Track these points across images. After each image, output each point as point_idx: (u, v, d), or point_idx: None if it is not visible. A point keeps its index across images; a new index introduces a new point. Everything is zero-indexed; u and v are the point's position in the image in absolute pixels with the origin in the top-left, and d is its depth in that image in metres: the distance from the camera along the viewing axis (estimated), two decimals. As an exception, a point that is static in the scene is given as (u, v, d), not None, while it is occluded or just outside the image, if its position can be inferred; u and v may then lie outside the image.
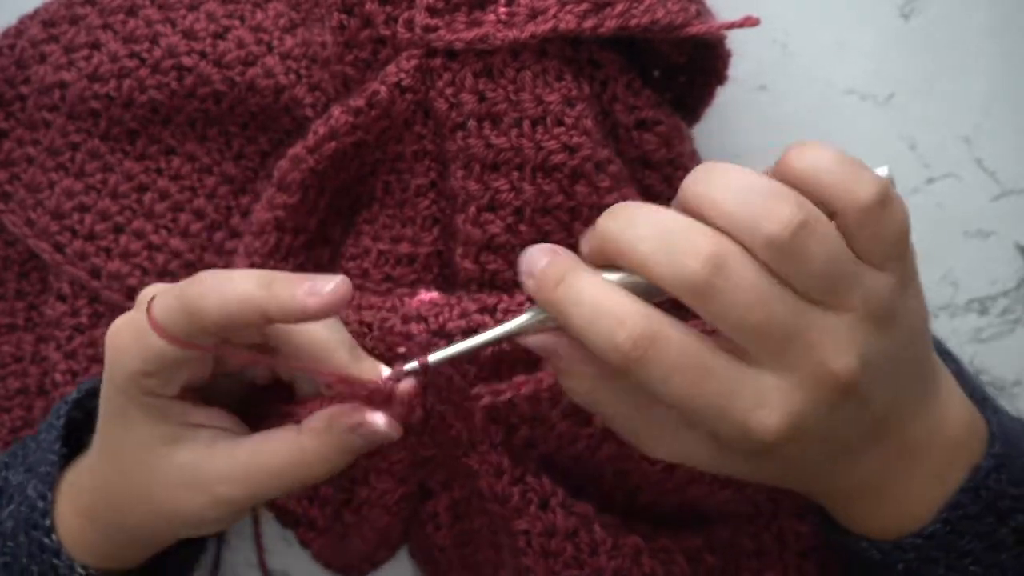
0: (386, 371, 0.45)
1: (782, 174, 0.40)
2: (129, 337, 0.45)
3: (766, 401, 0.39)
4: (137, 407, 0.45)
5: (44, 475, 0.49)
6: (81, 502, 0.49)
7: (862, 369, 0.40)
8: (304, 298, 0.42)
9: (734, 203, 0.39)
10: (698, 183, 0.41)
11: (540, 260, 0.41)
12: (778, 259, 0.39)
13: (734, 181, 0.40)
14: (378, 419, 0.44)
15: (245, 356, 0.46)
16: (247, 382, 0.50)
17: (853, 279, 0.40)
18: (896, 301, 0.41)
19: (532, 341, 0.43)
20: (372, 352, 0.50)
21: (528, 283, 0.42)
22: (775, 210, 0.39)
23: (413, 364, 0.44)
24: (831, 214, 0.40)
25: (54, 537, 0.48)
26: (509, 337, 0.43)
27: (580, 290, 0.40)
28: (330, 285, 0.42)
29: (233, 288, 0.43)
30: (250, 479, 0.45)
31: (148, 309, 0.44)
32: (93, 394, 0.51)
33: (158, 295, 0.44)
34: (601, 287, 0.40)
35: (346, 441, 0.45)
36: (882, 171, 0.42)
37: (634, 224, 0.40)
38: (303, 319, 0.43)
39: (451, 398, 0.51)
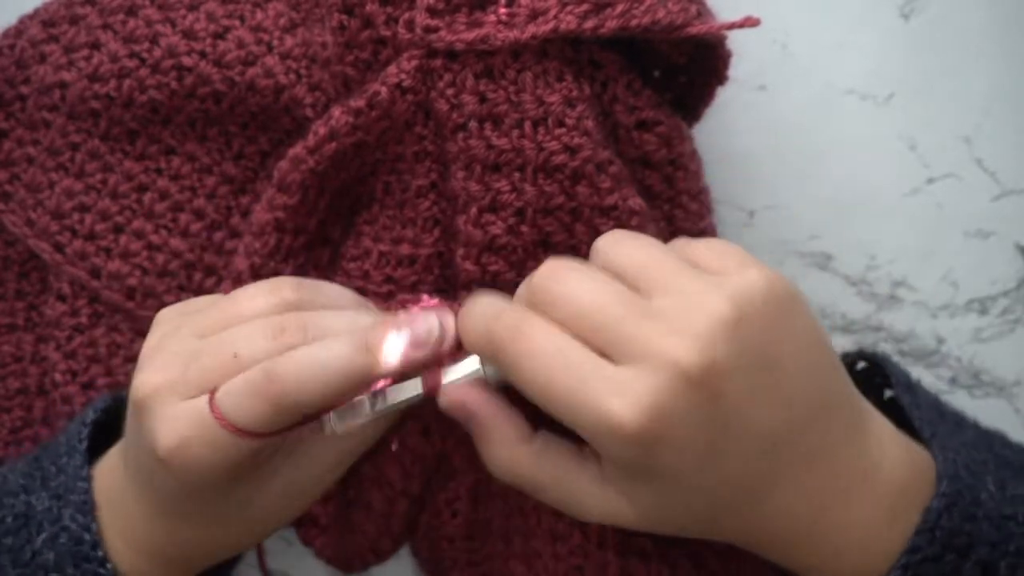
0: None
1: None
2: (205, 448, 0.43)
3: (622, 391, 0.41)
4: (214, 493, 0.45)
5: (81, 504, 0.47)
6: (131, 535, 0.48)
7: (718, 362, 0.41)
8: (414, 353, 0.45)
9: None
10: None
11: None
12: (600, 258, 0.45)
13: (544, 267, 0.45)
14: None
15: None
16: None
17: (678, 273, 0.43)
18: (744, 305, 0.42)
19: (451, 398, 0.46)
20: None
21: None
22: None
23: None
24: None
25: (109, 567, 0.47)
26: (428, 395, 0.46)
27: (476, 301, 0.46)
28: (431, 328, 0.45)
29: (333, 368, 0.43)
30: (313, 478, 0.48)
31: (217, 416, 0.43)
32: (107, 411, 0.51)
33: (229, 393, 0.43)
34: (489, 294, 0.46)
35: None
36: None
37: (469, 307, 0.46)
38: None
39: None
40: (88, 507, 0.47)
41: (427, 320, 0.45)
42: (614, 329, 0.42)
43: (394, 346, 0.44)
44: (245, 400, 0.43)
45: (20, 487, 0.50)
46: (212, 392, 0.44)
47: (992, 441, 0.51)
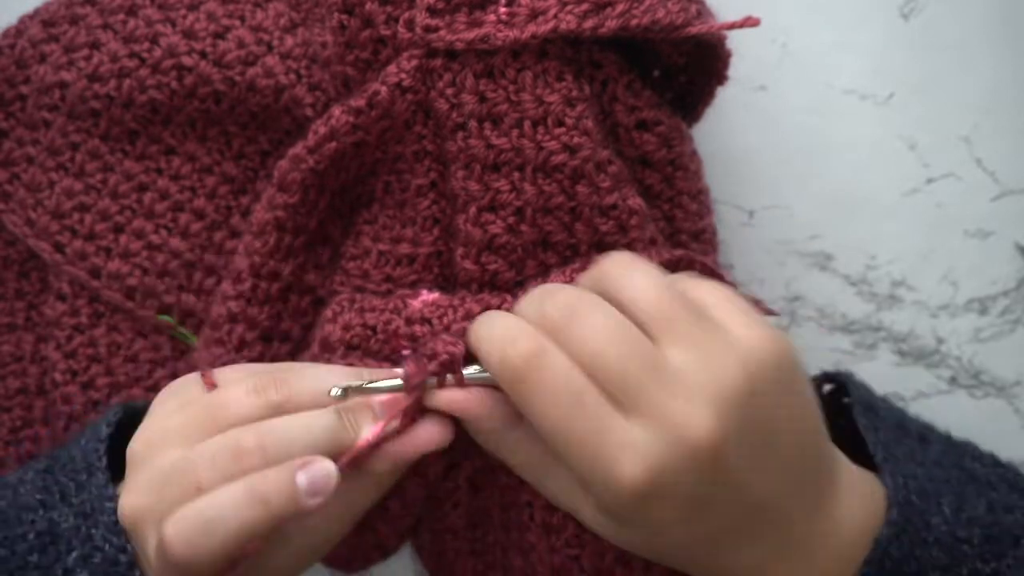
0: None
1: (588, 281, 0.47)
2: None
3: (630, 449, 0.41)
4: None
5: (112, 525, 0.47)
6: None
7: (723, 436, 0.41)
8: (309, 503, 0.44)
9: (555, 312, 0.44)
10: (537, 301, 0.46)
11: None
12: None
13: (562, 295, 0.45)
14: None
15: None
16: None
17: (701, 328, 0.43)
18: (747, 380, 0.42)
19: (445, 399, 0.47)
20: (376, 355, 0.50)
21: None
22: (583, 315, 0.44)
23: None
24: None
25: None
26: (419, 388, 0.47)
27: (493, 317, 0.46)
28: (328, 475, 0.45)
29: (219, 530, 0.43)
30: (325, 538, 0.49)
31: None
32: (120, 423, 0.51)
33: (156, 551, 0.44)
34: (505, 315, 0.46)
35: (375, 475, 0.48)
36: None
37: (485, 325, 0.46)
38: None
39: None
40: (119, 528, 0.47)
41: (322, 467, 0.44)
42: (631, 382, 0.42)
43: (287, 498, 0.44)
44: (159, 563, 0.44)
45: (38, 503, 0.49)
46: None
47: (961, 455, 0.51)
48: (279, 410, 0.47)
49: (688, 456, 0.41)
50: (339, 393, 0.47)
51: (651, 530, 0.44)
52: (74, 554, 0.47)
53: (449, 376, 0.47)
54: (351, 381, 0.48)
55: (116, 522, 0.47)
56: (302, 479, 0.44)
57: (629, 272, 0.45)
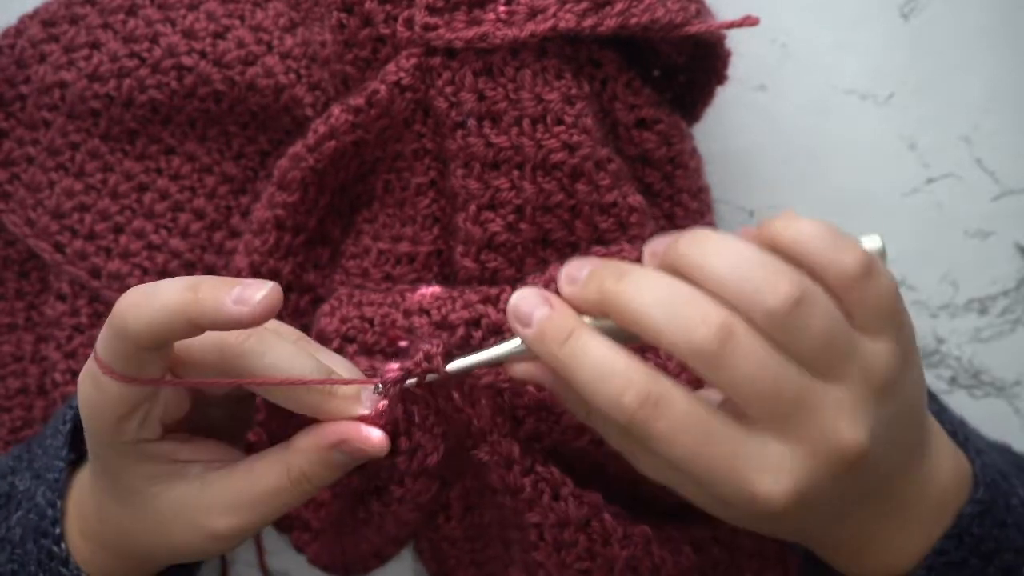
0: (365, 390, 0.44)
1: (769, 244, 0.41)
2: (91, 389, 0.43)
3: (772, 467, 0.39)
4: (122, 455, 0.45)
5: (52, 482, 0.48)
6: (87, 527, 0.48)
7: (871, 441, 0.40)
8: (232, 307, 0.41)
9: (733, 276, 0.40)
10: (692, 252, 0.41)
11: (537, 310, 0.41)
12: (778, 332, 0.39)
13: (730, 253, 0.40)
14: (369, 434, 0.44)
15: (199, 382, 0.44)
16: (246, 412, 0.49)
17: (851, 350, 0.40)
18: (895, 370, 0.41)
19: (522, 371, 0.43)
20: (373, 347, 0.50)
21: (524, 332, 0.42)
22: (774, 284, 0.39)
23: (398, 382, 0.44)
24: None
25: (63, 546, 0.47)
26: (499, 362, 0.43)
27: (586, 350, 0.40)
28: (260, 294, 0.41)
29: (156, 298, 0.41)
30: (243, 507, 0.45)
31: (95, 352, 0.43)
32: None
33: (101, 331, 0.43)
34: (607, 347, 0.40)
35: (332, 458, 0.44)
36: (871, 241, 0.42)
37: (641, 290, 0.40)
38: (233, 327, 0.42)
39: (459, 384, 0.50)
40: (59, 484, 0.47)
41: (263, 286, 0.42)
42: (784, 400, 0.39)
43: (218, 290, 0.41)
44: (103, 333, 0.42)
45: (8, 468, 0.51)
46: None
47: (1005, 449, 0.51)
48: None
49: (837, 470, 0.40)
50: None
51: (780, 525, 0.43)
52: (18, 513, 0.48)
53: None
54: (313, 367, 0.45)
55: (57, 480, 0.47)
56: (237, 290, 0.41)
57: (807, 310, 0.40)
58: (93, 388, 0.43)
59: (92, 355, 0.43)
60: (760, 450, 0.39)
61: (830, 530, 0.44)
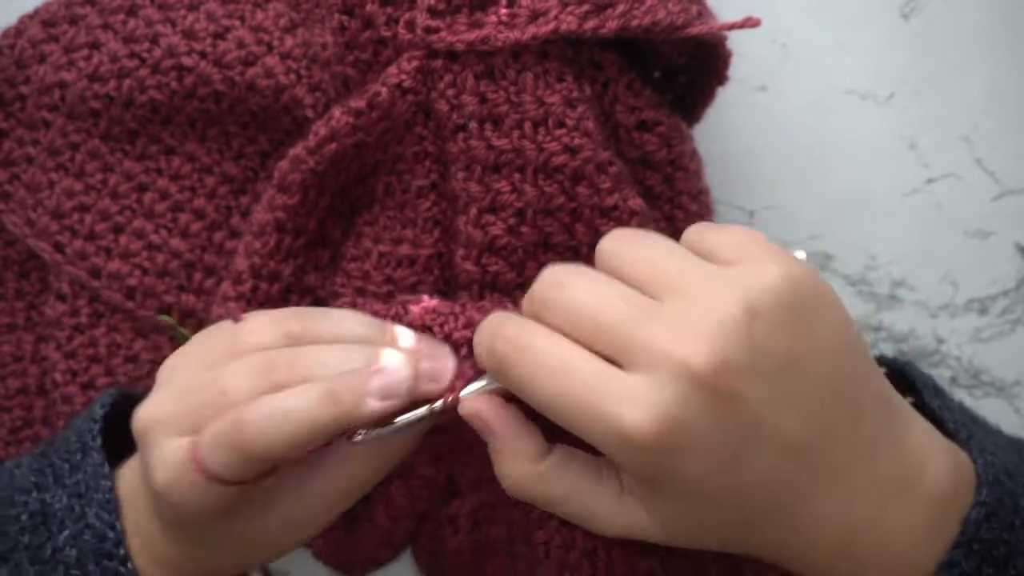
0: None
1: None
2: (188, 491, 0.44)
3: (631, 398, 0.39)
4: (211, 525, 0.46)
5: (105, 503, 0.47)
6: (156, 550, 0.48)
7: (733, 362, 0.39)
8: (375, 404, 0.43)
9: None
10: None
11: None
12: (605, 262, 0.43)
13: (547, 273, 0.43)
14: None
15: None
16: None
17: (687, 269, 0.42)
18: (767, 290, 0.40)
19: (467, 409, 0.44)
20: None
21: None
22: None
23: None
24: None
25: (129, 566, 0.47)
26: (444, 410, 0.45)
27: (485, 320, 0.44)
28: (402, 380, 0.44)
29: (292, 417, 0.42)
30: (320, 509, 0.47)
31: (197, 463, 0.43)
32: (116, 404, 0.51)
33: (204, 440, 0.43)
34: (498, 314, 0.44)
35: (382, 447, 0.46)
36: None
37: (480, 328, 0.44)
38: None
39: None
40: (112, 505, 0.47)
41: (397, 371, 0.44)
42: (619, 333, 0.40)
43: (357, 391, 0.43)
44: (217, 449, 0.43)
45: (32, 484, 0.49)
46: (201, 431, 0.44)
47: (1019, 445, 0.49)
48: (298, 343, 0.46)
49: (694, 392, 0.39)
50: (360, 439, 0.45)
51: (684, 494, 0.41)
52: (65, 533, 0.47)
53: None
54: (369, 328, 0.47)
55: (109, 500, 0.47)
56: (377, 381, 0.43)
57: (624, 241, 0.43)
58: (192, 490, 0.44)
59: (193, 465, 0.44)
60: (621, 384, 0.40)
61: (780, 522, 0.43)
